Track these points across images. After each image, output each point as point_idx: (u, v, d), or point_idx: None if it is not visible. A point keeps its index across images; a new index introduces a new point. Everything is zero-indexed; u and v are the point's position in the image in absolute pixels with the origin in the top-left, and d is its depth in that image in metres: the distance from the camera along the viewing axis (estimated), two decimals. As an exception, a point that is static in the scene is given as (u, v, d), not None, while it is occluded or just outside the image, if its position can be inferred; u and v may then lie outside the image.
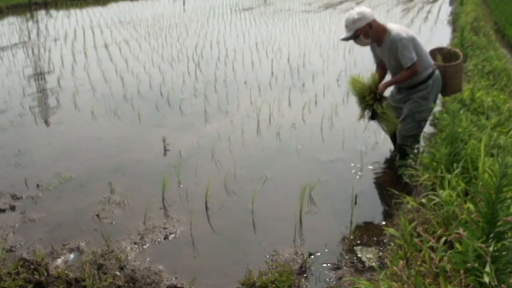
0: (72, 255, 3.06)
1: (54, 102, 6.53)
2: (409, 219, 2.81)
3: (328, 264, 2.90)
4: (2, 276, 2.70)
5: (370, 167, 4.28)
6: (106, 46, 10.23)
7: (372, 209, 3.60)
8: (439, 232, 2.47)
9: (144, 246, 3.16)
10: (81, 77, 7.76)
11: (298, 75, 7.56)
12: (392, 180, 4.04)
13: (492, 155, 3.24)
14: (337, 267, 2.86)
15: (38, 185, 4.04)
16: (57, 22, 14.86)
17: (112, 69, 8.14)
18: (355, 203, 3.52)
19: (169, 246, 3.17)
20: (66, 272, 2.77)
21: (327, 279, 2.77)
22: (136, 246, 3.16)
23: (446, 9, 16.17)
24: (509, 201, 2.03)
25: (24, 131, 5.47)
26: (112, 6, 19.47)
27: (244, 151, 4.72)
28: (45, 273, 2.75)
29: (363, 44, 3.87)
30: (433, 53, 4.11)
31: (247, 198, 3.65)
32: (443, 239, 2.28)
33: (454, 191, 2.79)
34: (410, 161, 3.74)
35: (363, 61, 7.71)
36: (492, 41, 9.58)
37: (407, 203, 3.04)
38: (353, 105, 4.79)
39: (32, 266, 2.81)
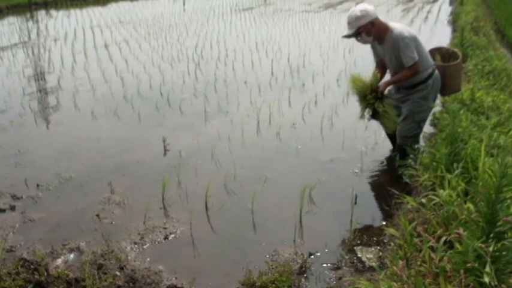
0: (72, 255, 3.06)
1: (54, 102, 6.53)
2: (409, 219, 2.81)
3: (328, 264, 2.90)
4: (2, 276, 2.70)
5: (370, 167, 4.28)
6: (106, 46, 10.23)
7: (372, 209, 3.60)
8: (439, 232, 2.47)
9: (144, 246, 3.16)
10: (81, 77, 7.76)
11: (298, 75, 7.56)
12: (392, 180, 4.04)
13: (492, 155, 3.24)
14: (337, 267, 2.86)
15: (38, 185, 4.04)
16: (57, 22, 14.86)
17: (112, 69, 8.14)
18: (355, 203, 3.52)
19: (169, 246, 3.17)
20: (66, 272, 2.77)
21: (327, 279, 2.77)
22: (136, 246, 3.16)
23: (446, 9, 16.17)
24: (509, 201, 2.03)
25: (24, 131, 5.47)
26: (112, 6, 19.47)
27: (244, 151, 4.72)
28: (45, 273, 2.75)
29: (365, 42, 3.85)
30: (432, 52, 4.11)
31: (247, 198, 3.65)
32: (443, 239, 2.28)
33: (454, 191, 2.79)
34: (410, 161, 3.74)
35: (363, 61, 7.71)
36: (492, 41, 9.58)
37: (407, 203, 3.04)
38: (353, 105, 4.80)
39: (32, 266, 2.81)
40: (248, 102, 6.17)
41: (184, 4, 19.65)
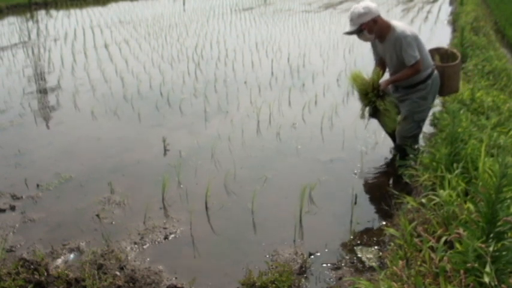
0: (72, 255, 3.06)
1: (54, 102, 6.53)
2: (409, 219, 2.81)
3: (328, 264, 2.90)
4: (2, 276, 2.70)
5: (370, 167, 4.28)
6: (106, 46, 10.23)
7: (372, 209, 3.60)
8: (439, 232, 2.47)
9: (144, 246, 3.16)
10: (81, 77, 7.76)
11: (298, 75, 7.56)
12: (392, 180, 4.05)
13: (492, 155, 3.24)
14: (337, 267, 2.86)
15: (38, 185, 4.04)
16: (57, 22, 14.86)
17: (112, 69, 8.14)
18: (355, 203, 3.52)
19: (169, 246, 3.17)
20: (66, 272, 2.77)
21: (327, 279, 2.77)
22: (136, 246, 3.16)
23: (446, 9, 16.17)
24: (509, 201, 2.03)
25: (24, 131, 5.47)
26: (112, 6, 19.47)
27: (244, 151, 4.72)
28: (45, 273, 2.75)
29: (366, 40, 3.84)
30: (431, 52, 4.10)
31: (247, 198, 3.65)
32: (443, 239, 2.28)
33: (454, 191, 2.79)
34: (410, 161, 3.74)
35: (363, 61, 7.70)
36: (492, 41, 9.58)
37: (407, 203, 3.04)
38: (353, 105, 4.80)
39: (32, 266, 2.81)
40: (248, 102, 6.17)
41: (184, 4, 19.65)
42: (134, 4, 19.92)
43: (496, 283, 1.87)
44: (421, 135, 4.25)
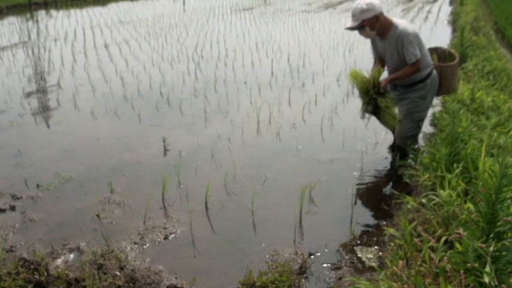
0: (72, 255, 3.06)
1: (54, 102, 6.53)
2: (409, 219, 2.81)
3: (328, 264, 2.90)
4: (2, 276, 2.70)
5: (370, 167, 4.28)
6: (106, 46, 10.23)
7: (372, 209, 3.60)
8: (439, 232, 2.47)
9: (144, 246, 3.16)
10: (81, 77, 7.76)
11: (298, 75, 7.56)
12: (392, 180, 4.04)
13: (492, 155, 3.24)
14: (337, 267, 2.86)
15: (38, 185, 4.04)
16: (57, 22, 14.86)
17: (112, 69, 8.14)
18: (355, 203, 3.52)
19: (169, 246, 3.17)
20: (66, 272, 2.77)
21: (327, 279, 2.77)
22: (136, 246, 3.16)
23: (446, 9, 16.17)
24: (509, 201, 2.03)
25: (24, 131, 5.47)
26: (112, 6, 19.47)
27: (244, 151, 4.72)
28: (45, 273, 2.75)
29: (367, 36, 3.83)
30: (429, 52, 4.11)
31: (247, 198, 3.65)
32: (443, 239, 2.28)
33: (454, 191, 2.79)
34: (410, 161, 3.74)
35: (362, 61, 7.70)
36: (492, 41, 9.58)
37: (407, 203, 3.04)
38: (353, 105, 4.81)
39: (32, 266, 2.80)
40: (248, 102, 6.17)
41: (184, 4, 19.65)
42: (134, 4, 19.92)
43: (496, 283, 1.87)
44: (421, 135, 4.25)
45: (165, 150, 4.74)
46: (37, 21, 15.47)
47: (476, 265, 1.95)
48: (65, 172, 4.28)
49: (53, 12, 17.80)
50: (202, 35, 11.63)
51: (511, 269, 2.00)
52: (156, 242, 3.21)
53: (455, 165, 3.07)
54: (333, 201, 3.71)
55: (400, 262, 2.26)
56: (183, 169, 4.18)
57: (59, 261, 2.99)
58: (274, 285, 2.63)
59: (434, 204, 2.77)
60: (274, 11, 16.64)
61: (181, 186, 3.99)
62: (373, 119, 4.30)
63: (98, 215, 3.55)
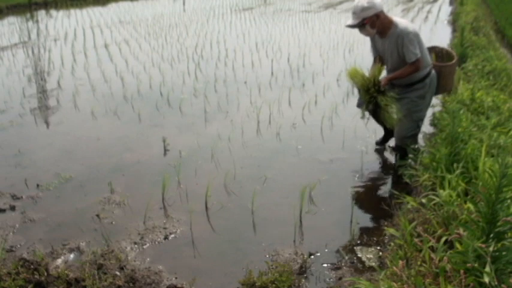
0: (72, 255, 3.06)
1: (54, 102, 6.53)
2: (409, 219, 2.81)
3: (328, 264, 2.90)
4: (2, 276, 2.70)
5: (370, 167, 4.28)
6: (106, 46, 10.23)
7: (372, 209, 3.60)
8: (439, 232, 2.48)
9: (144, 246, 3.16)
10: (81, 77, 7.76)
11: (298, 75, 7.56)
12: (392, 180, 4.05)
13: (492, 155, 3.24)
14: (337, 267, 2.86)
15: (38, 185, 4.04)
16: (57, 22, 14.86)
17: (112, 69, 8.14)
18: (355, 203, 3.52)
19: (169, 246, 3.17)
20: (66, 272, 2.77)
21: (327, 279, 2.77)
22: (136, 246, 3.16)
23: (446, 9, 16.18)
24: (509, 201, 2.03)
25: (24, 131, 5.46)
26: (112, 6, 19.47)
27: (244, 151, 4.72)
28: (45, 273, 2.75)
29: (367, 34, 3.82)
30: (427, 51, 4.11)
31: (247, 198, 3.65)
32: (443, 239, 2.28)
33: (454, 191, 2.79)
34: (410, 161, 3.74)
35: (363, 61, 7.69)
36: (492, 41, 9.58)
37: (407, 203, 3.04)
38: (353, 106, 4.79)
39: (32, 266, 2.80)
40: (248, 102, 6.17)
41: (184, 4, 19.65)
42: (134, 4, 19.92)
43: (496, 283, 1.87)
44: (420, 135, 4.25)
45: (165, 150, 4.74)
46: (37, 21, 15.47)
47: (476, 265, 1.95)
48: (65, 172, 4.28)
49: (53, 12, 17.80)
50: (202, 35, 11.63)
51: (511, 269, 2.00)
52: (156, 242, 3.21)
53: (455, 165, 3.07)
54: (333, 201, 3.71)
55: (400, 262, 2.26)
56: (183, 169, 4.18)
57: (59, 261, 2.99)
58: (274, 285, 2.63)
59: (434, 204, 2.77)
60: (274, 11, 16.64)
61: (181, 186, 3.99)
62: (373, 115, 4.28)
63: (98, 215, 3.55)
